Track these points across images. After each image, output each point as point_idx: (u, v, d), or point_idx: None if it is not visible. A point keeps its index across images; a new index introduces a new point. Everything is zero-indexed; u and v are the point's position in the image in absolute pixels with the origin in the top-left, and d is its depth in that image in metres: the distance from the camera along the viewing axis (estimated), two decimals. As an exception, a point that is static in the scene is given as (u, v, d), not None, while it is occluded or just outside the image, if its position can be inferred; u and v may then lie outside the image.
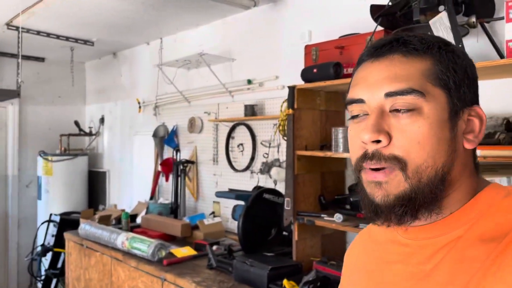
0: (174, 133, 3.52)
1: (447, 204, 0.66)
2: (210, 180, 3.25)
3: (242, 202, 2.37)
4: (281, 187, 2.59)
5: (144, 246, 2.44)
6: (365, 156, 0.66)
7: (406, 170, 0.63)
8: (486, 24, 1.73)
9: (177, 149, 3.34)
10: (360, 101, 0.67)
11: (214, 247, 2.55)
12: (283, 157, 2.67)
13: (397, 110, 0.64)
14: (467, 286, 0.59)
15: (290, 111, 2.10)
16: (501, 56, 1.64)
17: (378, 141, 0.64)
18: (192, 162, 3.34)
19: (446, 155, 0.64)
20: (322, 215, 2.05)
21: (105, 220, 3.23)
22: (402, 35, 0.69)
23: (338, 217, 1.98)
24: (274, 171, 2.63)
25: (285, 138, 2.26)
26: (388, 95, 0.64)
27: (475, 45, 1.77)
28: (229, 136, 3.05)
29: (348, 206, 2.07)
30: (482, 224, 0.63)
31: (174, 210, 3.26)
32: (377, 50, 0.68)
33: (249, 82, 2.88)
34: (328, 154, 1.97)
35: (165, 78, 3.50)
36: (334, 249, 2.30)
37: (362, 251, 0.82)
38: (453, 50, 0.68)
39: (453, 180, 0.65)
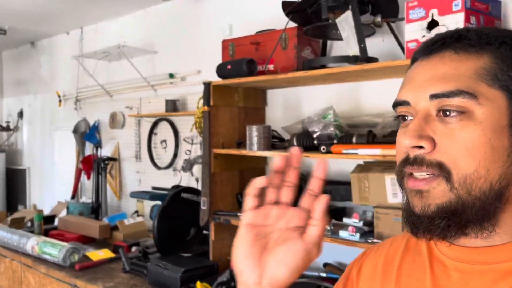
0: (95, 128, 3.35)
1: (508, 227, 0.58)
2: (133, 178, 3.12)
3: (153, 202, 2.29)
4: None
5: (55, 250, 2.29)
6: (407, 161, 0.59)
7: (451, 179, 0.55)
8: (392, 24, 1.76)
9: (97, 146, 3.18)
10: (406, 103, 0.60)
11: (133, 249, 2.46)
12: (205, 154, 2.61)
13: (444, 114, 0.56)
14: None
15: (206, 108, 2.04)
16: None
17: (421, 147, 0.57)
18: (114, 159, 3.19)
19: (504, 166, 0.55)
20: (239, 214, 2.01)
21: (17, 223, 3.01)
22: (459, 29, 0.61)
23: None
24: (196, 168, 2.56)
25: (202, 135, 2.20)
26: (433, 97, 0.57)
27: (381, 45, 1.80)
28: (151, 132, 2.94)
29: (265, 204, 2.05)
30: None
31: (95, 210, 3.11)
32: (428, 47, 0.61)
33: (171, 76, 2.79)
34: (243, 152, 1.93)
35: (85, 70, 3.32)
36: (254, 246, 2.28)
37: (400, 261, 0.70)
38: None
39: None
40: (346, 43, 1.62)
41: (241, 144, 2.08)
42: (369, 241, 1.56)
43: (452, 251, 0.61)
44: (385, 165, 1.67)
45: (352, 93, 2.00)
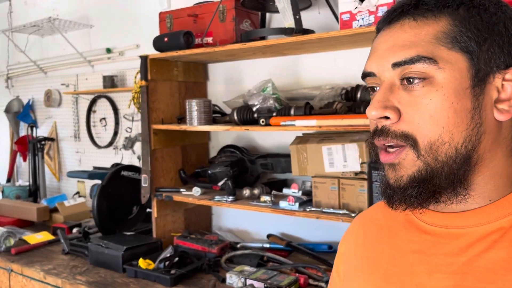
0: (29, 107, 3.17)
1: (482, 190, 0.58)
2: (73, 158, 3.01)
3: (93, 181, 2.23)
4: (145, 162, 2.49)
5: (-12, 236, 2.18)
6: (375, 132, 0.60)
7: (418, 147, 0.56)
8: (329, -4, 1.77)
9: (32, 126, 3.02)
10: (372, 74, 0.61)
11: (74, 230, 2.39)
12: (147, 131, 2.55)
13: (407, 82, 0.57)
14: None
15: (143, 82, 1.98)
16: (340, 28, 1.69)
17: (387, 118, 0.58)
18: (51, 139, 3.05)
19: (468, 129, 0.55)
20: (181, 190, 2.00)
21: None
22: None
23: (196, 190, 1.94)
24: (138, 146, 2.50)
25: (140, 111, 2.14)
26: (395, 65, 0.57)
27: (317, 17, 1.81)
28: (90, 110, 2.83)
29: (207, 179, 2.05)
30: None
31: (33, 192, 2.98)
32: (389, 16, 0.61)
33: (108, 51, 2.68)
34: (183, 127, 1.90)
35: (16, 46, 3.11)
36: (199, 222, 2.29)
37: (365, 238, 0.73)
38: (481, 4, 0.57)
39: (483, 159, 0.57)
40: (282, 15, 1.62)
41: (181, 119, 2.05)
42: (307, 210, 1.60)
43: (429, 217, 0.62)
44: (322, 136, 1.70)
45: (291, 66, 2.02)
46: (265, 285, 1.56)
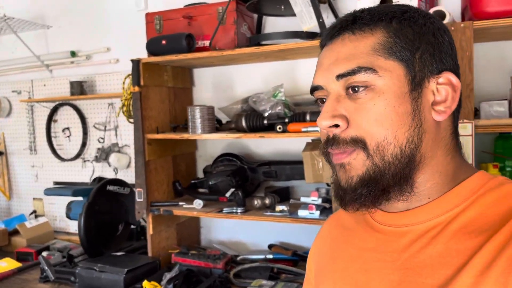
0: (-30, 118, 2.79)
1: (423, 187, 0.62)
2: (27, 174, 2.69)
3: (74, 198, 2.01)
4: (122, 176, 2.30)
5: None
6: (328, 141, 0.63)
7: (367, 148, 0.60)
8: (332, 1, 1.76)
9: (-23, 138, 2.66)
10: (320, 87, 0.65)
11: (45, 254, 2.13)
12: (122, 141, 2.36)
13: (351, 91, 0.61)
14: (452, 281, 0.54)
15: (137, 88, 1.82)
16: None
17: (336, 126, 0.61)
18: None
19: (410, 130, 0.59)
20: (180, 203, 1.87)
21: None
22: (355, 11, 0.65)
23: (198, 203, 1.82)
24: (113, 157, 2.30)
25: (130, 120, 1.98)
26: (339, 77, 0.61)
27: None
28: (50, 119, 2.55)
29: (206, 190, 1.93)
30: (467, 215, 0.59)
31: (-21, 214, 2.62)
32: (330, 32, 0.66)
33: (73, 54, 2.44)
34: (185, 136, 1.78)
35: (-50, 47, 2.72)
36: (190, 237, 2.15)
37: (332, 239, 0.77)
38: (411, 17, 0.62)
39: (425, 157, 0.61)
40: (299, 19, 1.57)
41: (176, 128, 1.92)
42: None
43: (380, 216, 0.67)
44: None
45: (288, 71, 1.98)
46: (294, 299, 1.50)
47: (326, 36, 0.67)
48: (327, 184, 1.75)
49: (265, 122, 1.71)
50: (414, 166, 0.61)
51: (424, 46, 0.61)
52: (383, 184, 0.60)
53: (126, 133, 2.34)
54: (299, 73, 1.95)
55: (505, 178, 0.62)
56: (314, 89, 0.67)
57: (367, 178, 0.60)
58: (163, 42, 1.75)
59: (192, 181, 1.98)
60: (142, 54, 1.91)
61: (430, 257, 0.58)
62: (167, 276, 1.69)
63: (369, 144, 0.60)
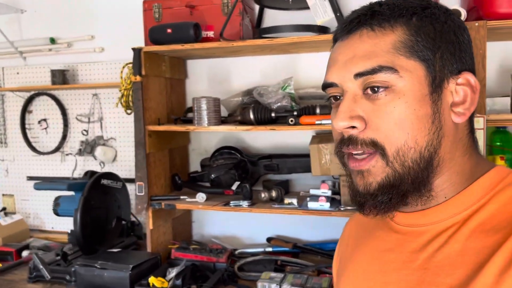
0: None
1: (440, 188, 0.61)
2: (-5, 168, 2.50)
3: (68, 192, 1.90)
4: (108, 170, 2.20)
5: None
6: (342, 141, 0.61)
7: (386, 155, 0.58)
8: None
9: None
10: (334, 85, 0.62)
11: (25, 253, 2.00)
12: (107, 133, 2.26)
13: (370, 92, 0.58)
14: (472, 280, 0.53)
15: (138, 78, 1.75)
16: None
17: (353, 127, 0.59)
18: (-36, 146, 2.49)
19: (430, 133, 0.58)
20: (182, 197, 1.82)
21: None
22: (372, 4, 0.62)
23: (201, 196, 1.79)
24: (99, 151, 2.20)
25: (128, 111, 1.90)
26: (358, 75, 0.58)
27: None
28: (24, 110, 2.39)
29: (206, 184, 1.90)
30: (484, 212, 0.58)
31: None
32: (346, 26, 0.62)
33: (53, 41, 2.30)
34: (191, 128, 1.73)
35: None
36: (184, 231, 2.11)
37: (353, 240, 0.77)
38: (432, 14, 0.60)
39: (443, 160, 0.60)
40: (313, 12, 1.58)
41: (177, 120, 1.87)
42: (342, 208, 1.60)
43: (398, 217, 0.66)
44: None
45: (288, 65, 1.98)
46: (309, 290, 1.51)
47: (342, 30, 0.63)
48: (333, 177, 1.78)
49: (273, 115, 1.71)
50: (432, 169, 0.59)
51: (445, 45, 0.59)
52: (403, 190, 0.59)
53: (112, 126, 2.25)
54: (299, 67, 1.97)
55: None
56: (327, 85, 0.63)
57: (387, 184, 0.59)
58: (169, 30, 1.70)
59: (191, 175, 1.94)
60: (131, 43, 1.82)
61: (448, 256, 0.57)
62: (172, 271, 1.64)
63: (389, 149, 0.58)
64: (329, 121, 1.57)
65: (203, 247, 1.87)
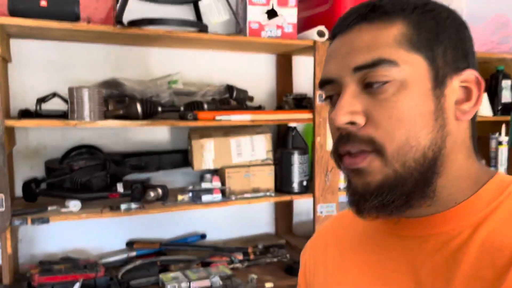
0: None
1: (448, 192, 0.58)
2: None
3: None
4: None
5: None
6: (341, 139, 0.59)
7: (384, 154, 0.55)
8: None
9: None
10: (332, 80, 0.60)
11: None
12: None
13: (370, 85, 0.56)
14: None
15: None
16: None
17: (353, 123, 0.57)
18: None
19: (433, 131, 0.56)
20: (49, 208, 1.48)
21: None
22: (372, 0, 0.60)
23: (73, 204, 1.52)
24: None
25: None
26: (357, 69, 0.56)
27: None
28: None
29: (69, 187, 1.60)
30: (492, 221, 0.56)
31: None
32: (345, 21, 0.60)
33: None
34: (72, 123, 1.44)
35: None
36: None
37: (338, 240, 0.72)
38: (434, 9, 0.59)
39: (447, 161, 0.57)
40: (208, 10, 1.63)
41: (25, 113, 1.49)
42: (233, 198, 1.72)
43: (400, 222, 0.62)
44: (212, 130, 1.81)
45: (139, 58, 1.89)
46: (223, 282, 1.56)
47: (341, 25, 0.61)
48: (215, 170, 1.84)
49: (159, 109, 1.64)
50: (436, 170, 0.57)
51: (448, 41, 0.58)
52: (406, 191, 0.56)
53: None
54: (151, 62, 1.90)
55: None
56: (325, 82, 0.61)
57: (387, 184, 0.56)
58: (43, 2, 1.36)
59: (47, 181, 1.58)
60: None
61: (458, 267, 0.54)
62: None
63: (388, 148, 0.55)
64: (226, 117, 1.66)
65: (69, 265, 1.58)
